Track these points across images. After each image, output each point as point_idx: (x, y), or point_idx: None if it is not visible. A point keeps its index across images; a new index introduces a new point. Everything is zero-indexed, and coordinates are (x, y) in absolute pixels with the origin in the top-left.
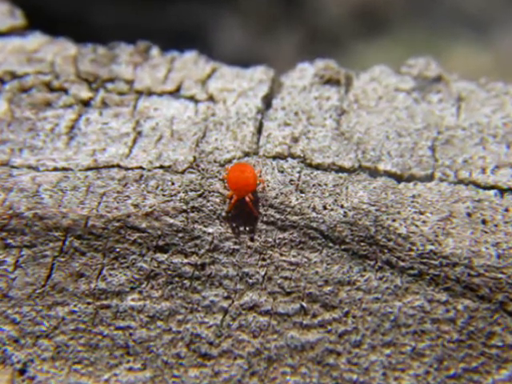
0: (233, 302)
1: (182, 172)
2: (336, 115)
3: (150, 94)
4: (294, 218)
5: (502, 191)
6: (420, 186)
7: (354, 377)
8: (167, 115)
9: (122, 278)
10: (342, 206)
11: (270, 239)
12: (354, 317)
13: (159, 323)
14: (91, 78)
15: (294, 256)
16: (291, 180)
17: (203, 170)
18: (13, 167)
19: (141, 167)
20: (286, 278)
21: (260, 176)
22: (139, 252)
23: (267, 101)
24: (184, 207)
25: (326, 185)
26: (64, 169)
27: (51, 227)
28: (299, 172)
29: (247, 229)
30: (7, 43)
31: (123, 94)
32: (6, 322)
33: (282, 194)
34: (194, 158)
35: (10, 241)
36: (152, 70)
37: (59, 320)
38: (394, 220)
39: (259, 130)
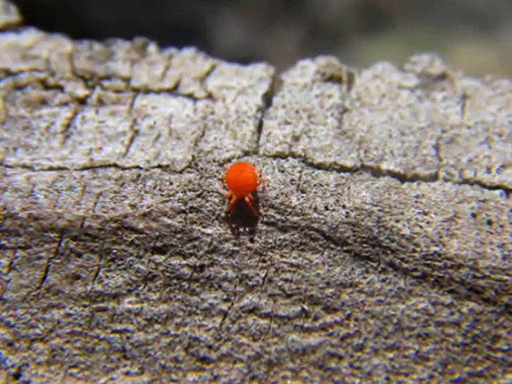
0: (232, 304)
1: (181, 172)
2: (338, 113)
3: (147, 91)
4: (295, 218)
5: (508, 191)
6: (424, 186)
7: (357, 381)
8: (165, 113)
9: (118, 280)
10: (343, 207)
11: (271, 240)
12: (356, 320)
13: (157, 326)
14: (87, 76)
15: (294, 257)
16: (292, 180)
17: (202, 169)
18: (7, 166)
19: (138, 167)
20: (286, 280)
21: (260, 176)
22: (136, 253)
23: (267, 99)
24: (182, 207)
25: (327, 185)
26: (59, 168)
27: (46, 228)
28: (300, 172)
29: (247, 230)
30: (1, 40)
31: (120, 92)
32: (0, 325)
33: (282, 194)
34: (193, 157)
35: (4, 242)
36: (149, 67)
37: (54, 323)
38: (397, 221)
39: (259, 128)
